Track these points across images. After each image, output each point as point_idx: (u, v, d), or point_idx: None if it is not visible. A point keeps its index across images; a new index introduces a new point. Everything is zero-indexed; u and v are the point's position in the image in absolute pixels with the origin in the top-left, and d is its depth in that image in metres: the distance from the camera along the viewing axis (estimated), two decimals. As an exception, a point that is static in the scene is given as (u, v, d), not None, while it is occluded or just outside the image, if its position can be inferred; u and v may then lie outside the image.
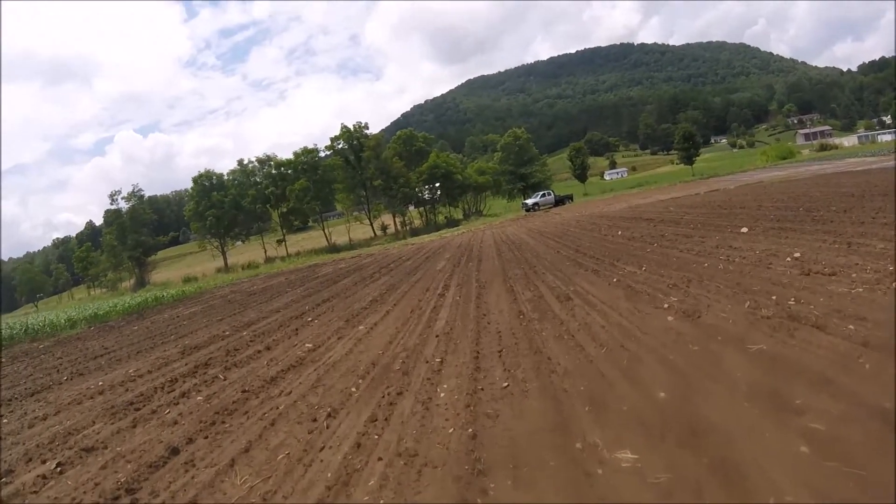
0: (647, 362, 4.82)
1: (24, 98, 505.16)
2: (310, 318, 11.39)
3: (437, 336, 7.20)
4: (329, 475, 3.79)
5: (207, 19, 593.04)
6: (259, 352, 8.93)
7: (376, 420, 4.63)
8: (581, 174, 79.29)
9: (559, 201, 53.23)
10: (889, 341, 4.34)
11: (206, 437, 5.13)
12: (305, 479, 3.83)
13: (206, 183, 69.12)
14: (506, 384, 4.90)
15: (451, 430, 4.11)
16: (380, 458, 3.87)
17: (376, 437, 4.28)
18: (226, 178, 70.72)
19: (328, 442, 4.39)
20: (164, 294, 31.77)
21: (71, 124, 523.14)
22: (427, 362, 6.04)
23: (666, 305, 6.76)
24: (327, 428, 4.68)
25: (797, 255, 8.28)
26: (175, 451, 4.90)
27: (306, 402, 5.64)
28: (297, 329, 10.41)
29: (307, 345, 8.55)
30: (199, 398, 6.64)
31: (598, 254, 12.49)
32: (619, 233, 16.40)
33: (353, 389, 5.60)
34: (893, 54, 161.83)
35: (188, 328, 14.00)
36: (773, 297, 6.20)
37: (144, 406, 6.69)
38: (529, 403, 4.37)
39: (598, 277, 9.53)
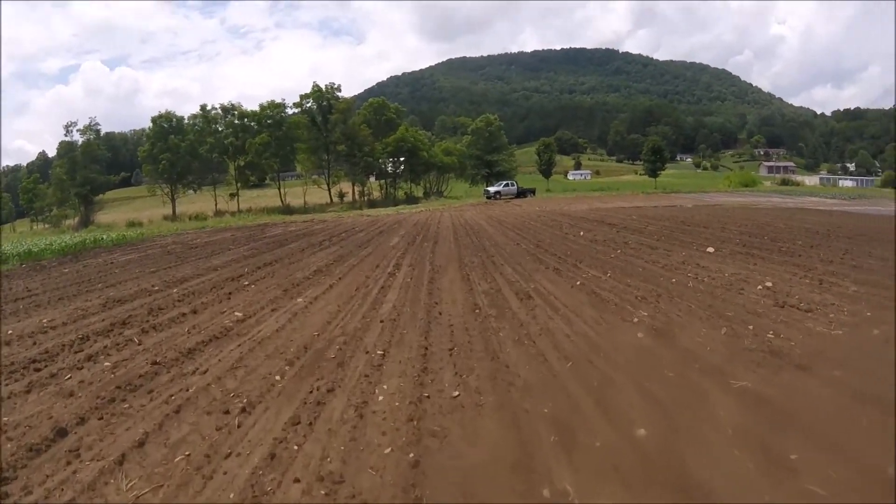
0: (621, 386, 4.22)
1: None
2: (246, 283, 10.37)
3: (381, 322, 6.43)
4: (231, 495, 3.00)
5: None
6: (184, 314, 7.93)
7: (298, 423, 3.84)
8: (547, 170, 79.47)
9: (521, 193, 52.88)
10: (882, 395, 3.90)
11: (101, 419, 4.27)
12: (202, 497, 3.04)
13: (165, 125, 65.15)
14: (457, 393, 4.20)
15: (387, 451, 3.38)
16: (296, 480, 3.12)
17: (296, 447, 3.50)
18: (186, 122, 67.01)
19: (237, 446, 3.59)
20: (105, 237, 29.79)
21: (40, 46, 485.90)
22: (367, 353, 5.26)
23: (635, 319, 6.24)
24: (238, 427, 3.87)
25: (769, 283, 7.98)
26: (62, 433, 4.05)
27: (221, 386, 4.79)
28: (230, 293, 9.41)
29: (237, 313, 7.61)
30: (106, 364, 5.74)
31: (559, 252, 11.97)
32: (582, 234, 15.99)
33: (278, 378, 4.77)
34: (869, 107, 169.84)
35: (118, 277, 12.75)
36: (751, 327, 5.80)
37: (45, 367, 5.79)
38: (484, 423, 3.69)
39: (559, 277, 8.97)
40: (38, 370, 5.70)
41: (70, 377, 5.38)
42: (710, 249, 11.87)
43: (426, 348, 5.23)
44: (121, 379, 5.16)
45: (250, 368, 5.16)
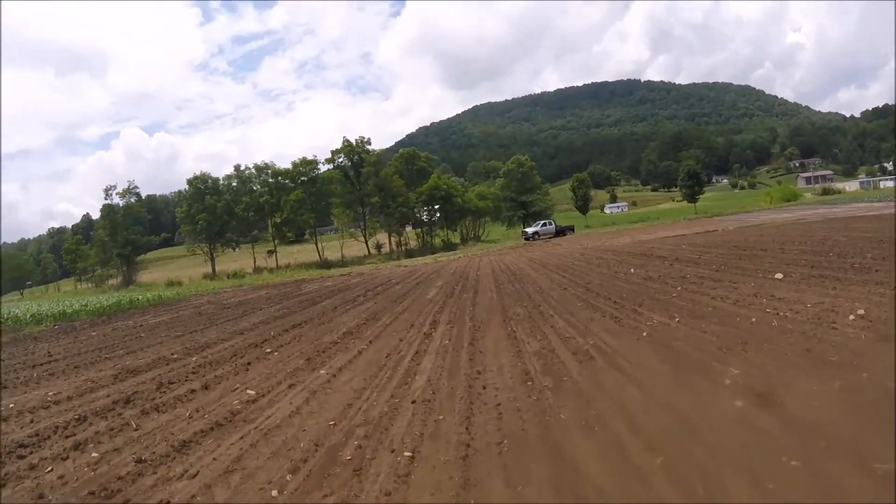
0: (737, 492, 2.99)
1: (36, 84, 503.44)
2: (269, 349, 9.49)
3: (413, 402, 5.29)
4: None
5: (223, 25, 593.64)
6: (193, 391, 7.09)
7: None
8: (583, 205, 77.99)
9: (560, 232, 51.57)
10: None
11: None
12: None
13: (201, 186, 67.41)
14: (512, 522, 3.02)
15: None
16: None
17: None
18: (221, 182, 69.07)
19: None
20: (141, 297, 30.51)
21: (79, 115, 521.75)
22: (392, 451, 4.12)
23: (727, 380, 4.95)
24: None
25: (861, 311, 6.62)
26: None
27: (209, 497, 3.78)
28: (249, 363, 8.53)
29: (249, 391, 6.65)
30: (92, 455, 5.00)
31: (613, 295, 10.70)
32: (633, 270, 14.65)
33: (275, 493, 3.69)
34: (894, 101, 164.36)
35: (141, 343, 12.45)
36: (865, 375, 4.52)
37: (30, 453, 5.26)
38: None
39: (620, 327, 7.72)
40: (21, 457, 5.18)
41: (51, 470, 4.76)
42: (779, 276, 10.46)
43: (468, 444, 4.04)
44: (99, 479, 4.38)
45: (248, 472, 4.13)
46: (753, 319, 7.35)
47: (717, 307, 8.43)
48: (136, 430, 5.71)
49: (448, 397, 5.30)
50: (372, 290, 19.45)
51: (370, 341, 8.96)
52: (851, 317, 6.51)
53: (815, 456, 3.36)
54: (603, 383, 5.18)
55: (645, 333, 7.11)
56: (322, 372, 7.10)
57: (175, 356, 10.14)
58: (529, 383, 5.41)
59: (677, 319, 7.77)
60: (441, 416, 4.79)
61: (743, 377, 5.02)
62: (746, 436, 3.80)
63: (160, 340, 12.52)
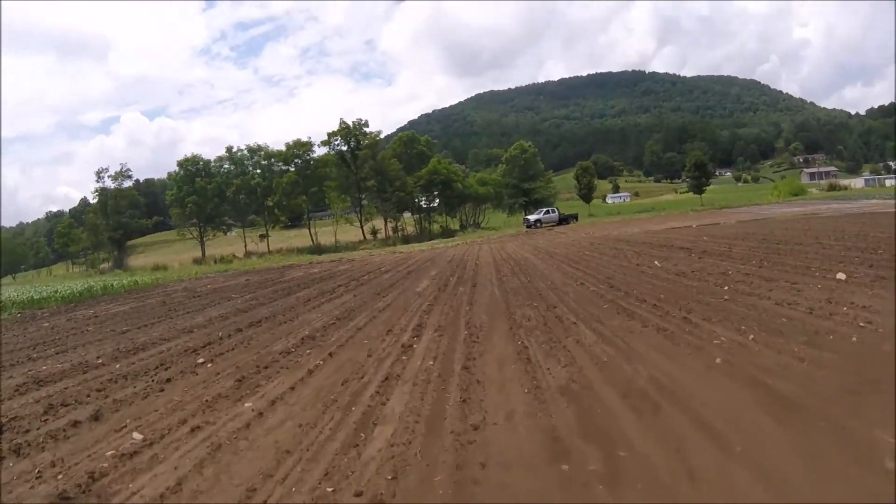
0: None
1: (38, 69, 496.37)
2: (203, 359, 7.32)
3: (357, 496, 3.07)
4: None
5: (226, 11, 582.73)
6: (75, 425, 5.09)
7: None
8: (587, 194, 75.40)
9: (563, 220, 49.27)
10: None
11: None
12: None
13: (192, 168, 64.90)
14: None
15: None
16: None
17: None
18: (213, 164, 66.57)
19: None
20: (116, 283, 28.32)
21: (81, 99, 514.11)
22: None
23: (888, 463, 2.81)
24: None
25: None
26: None
27: None
28: (169, 379, 6.39)
29: (136, 435, 4.49)
30: None
31: (646, 294, 8.53)
32: (657, 263, 12.49)
33: None
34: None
35: (77, 340, 10.70)
36: None
37: None
38: None
39: (674, 345, 5.54)
40: None
41: None
42: (842, 276, 8.43)
43: None
44: None
45: None
46: (854, 338, 5.28)
47: (790, 317, 6.33)
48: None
49: (419, 486, 3.06)
50: (357, 280, 17.25)
51: (330, 353, 6.74)
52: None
53: None
54: (694, 471, 2.96)
55: (718, 360, 4.93)
56: (247, 405, 4.90)
57: (100, 360, 8.27)
58: (563, 464, 3.13)
59: (751, 337, 5.61)
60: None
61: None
62: None
63: (101, 337, 10.73)
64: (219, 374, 6.40)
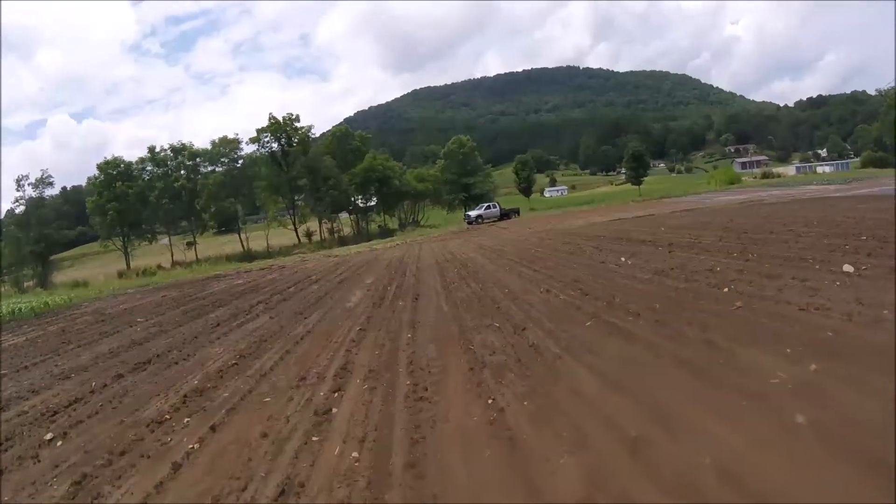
0: None
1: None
2: (50, 435, 4.98)
3: None
4: None
5: (157, 4, 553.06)
6: None
7: None
8: (526, 188, 74.93)
9: (505, 215, 48.03)
10: None
11: None
12: None
13: (112, 171, 58.84)
14: None
15: None
16: None
17: None
18: (134, 166, 60.81)
19: None
20: (24, 306, 23.78)
21: (6, 102, 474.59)
22: None
23: None
24: None
25: None
26: None
27: None
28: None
29: None
30: None
31: (634, 304, 6.80)
32: (625, 260, 10.91)
33: None
34: (829, 94, 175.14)
35: None
36: None
37: None
38: None
39: (716, 392, 3.74)
40: None
41: None
42: (849, 268, 7.16)
43: None
44: None
45: None
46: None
47: (834, 330, 4.78)
48: None
49: None
50: (281, 293, 14.85)
51: (213, 427, 4.53)
52: None
53: None
54: None
55: (800, 418, 3.14)
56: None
57: None
58: None
59: (813, 367, 3.90)
60: None
61: None
62: None
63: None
64: (58, 465, 4.12)
